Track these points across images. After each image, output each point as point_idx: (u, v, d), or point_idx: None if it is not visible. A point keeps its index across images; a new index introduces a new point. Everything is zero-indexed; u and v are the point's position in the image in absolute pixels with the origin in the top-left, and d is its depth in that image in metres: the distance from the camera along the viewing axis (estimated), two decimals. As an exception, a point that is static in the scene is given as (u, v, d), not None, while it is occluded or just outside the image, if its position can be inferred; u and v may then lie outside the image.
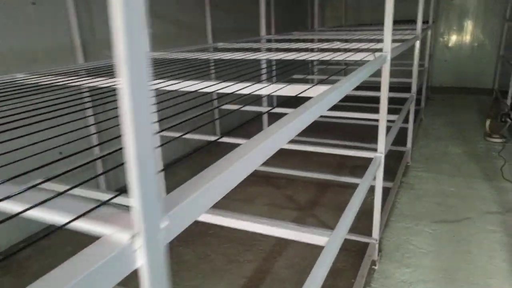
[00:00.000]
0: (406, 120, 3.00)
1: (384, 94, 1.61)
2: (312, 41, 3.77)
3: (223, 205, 2.62)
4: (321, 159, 3.19)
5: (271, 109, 1.03)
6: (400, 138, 2.94)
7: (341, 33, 3.60)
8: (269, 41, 3.10)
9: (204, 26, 3.47)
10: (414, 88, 2.85)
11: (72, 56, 2.31)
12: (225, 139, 2.11)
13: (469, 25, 5.51)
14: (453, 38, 5.64)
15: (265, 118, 3.00)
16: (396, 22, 5.41)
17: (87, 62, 2.34)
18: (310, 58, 1.53)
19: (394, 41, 2.03)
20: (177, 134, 2.45)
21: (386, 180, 2.66)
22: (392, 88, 4.84)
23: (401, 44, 1.91)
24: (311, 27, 5.21)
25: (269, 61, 2.48)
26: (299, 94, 1.01)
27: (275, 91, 1.06)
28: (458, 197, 2.48)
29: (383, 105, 1.64)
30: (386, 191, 2.54)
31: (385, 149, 1.71)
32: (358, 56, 1.65)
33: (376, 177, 1.78)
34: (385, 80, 1.59)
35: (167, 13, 3.03)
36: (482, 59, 5.54)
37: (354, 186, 1.62)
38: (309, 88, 1.01)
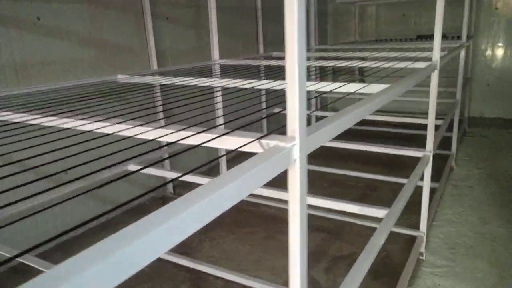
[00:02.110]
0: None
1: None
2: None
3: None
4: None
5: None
6: (413, 202, 1.91)
7: (336, 54, 2.61)
8: (214, 69, 2.17)
9: (145, 47, 2.59)
10: (430, 144, 1.80)
11: None
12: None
13: (519, 39, 4.32)
14: (499, 56, 4.45)
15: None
16: (418, 37, 4.30)
17: None
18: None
19: (391, 73, 1.03)
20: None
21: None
22: (401, 125, 3.65)
23: (371, 97, 0.91)
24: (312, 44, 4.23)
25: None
26: None
27: None
28: None
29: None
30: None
31: None
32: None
33: None
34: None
35: (81, 32, 2.17)
36: (537, 83, 4.32)
37: None
38: None
